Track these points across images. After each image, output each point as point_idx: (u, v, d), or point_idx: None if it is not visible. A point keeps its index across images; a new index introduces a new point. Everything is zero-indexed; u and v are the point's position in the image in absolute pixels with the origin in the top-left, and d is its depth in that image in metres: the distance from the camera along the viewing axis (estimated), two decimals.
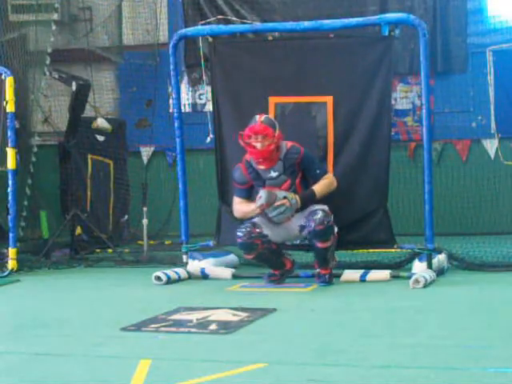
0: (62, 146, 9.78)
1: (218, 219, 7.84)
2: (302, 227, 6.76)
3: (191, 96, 11.43)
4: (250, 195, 7.05)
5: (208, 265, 7.66)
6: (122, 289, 7.32)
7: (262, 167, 6.91)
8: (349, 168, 7.43)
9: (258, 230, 6.81)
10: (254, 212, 6.91)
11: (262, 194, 6.73)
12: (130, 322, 5.46)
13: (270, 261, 7.03)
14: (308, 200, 6.83)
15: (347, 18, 7.48)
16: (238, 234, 6.82)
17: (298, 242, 7.14)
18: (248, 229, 6.80)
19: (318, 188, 6.86)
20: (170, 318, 5.58)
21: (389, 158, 7.44)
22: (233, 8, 10.94)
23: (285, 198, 6.73)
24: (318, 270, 6.93)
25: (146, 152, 11.52)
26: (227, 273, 7.55)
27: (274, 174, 6.91)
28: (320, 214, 6.68)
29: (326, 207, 6.82)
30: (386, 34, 7.31)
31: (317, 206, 6.82)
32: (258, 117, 6.92)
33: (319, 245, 6.73)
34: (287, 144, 6.93)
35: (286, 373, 4.13)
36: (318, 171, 6.91)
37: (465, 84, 10.54)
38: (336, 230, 6.80)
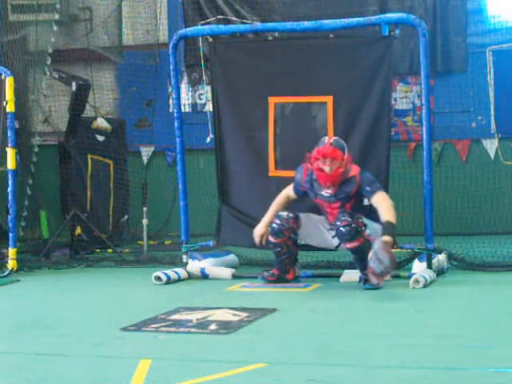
0: (62, 146, 9.78)
1: (218, 219, 7.85)
2: (332, 227, 6.75)
3: (191, 96, 11.41)
4: (302, 196, 7.04)
5: (208, 265, 7.66)
6: (122, 289, 7.32)
7: (329, 191, 6.78)
8: None
9: (294, 226, 6.84)
10: (263, 224, 6.97)
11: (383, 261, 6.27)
12: (130, 322, 5.46)
13: (281, 256, 6.99)
14: (394, 233, 6.52)
15: (347, 18, 7.48)
16: (279, 214, 6.86)
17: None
18: (289, 216, 6.84)
19: (389, 216, 6.52)
20: (169, 318, 5.58)
21: (389, 158, 7.45)
22: (233, 8, 10.93)
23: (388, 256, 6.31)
24: (360, 275, 6.83)
25: (145, 152, 11.51)
26: (227, 273, 7.55)
27: (325, 193, 6.82)
28: (346, 216, 6.63)
29: (358, 214, 6.72)
30: (386, 34, 7.32)
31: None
32: (326, 138, 6.82)
33: (347, 245, 6.64)
34: (351, 170, 6.76)
35: (286, 373, 4.13)
36: (367, 188, 6.68)
37: (465, 84, 10.52)
38: (367, 232, 6.65)
